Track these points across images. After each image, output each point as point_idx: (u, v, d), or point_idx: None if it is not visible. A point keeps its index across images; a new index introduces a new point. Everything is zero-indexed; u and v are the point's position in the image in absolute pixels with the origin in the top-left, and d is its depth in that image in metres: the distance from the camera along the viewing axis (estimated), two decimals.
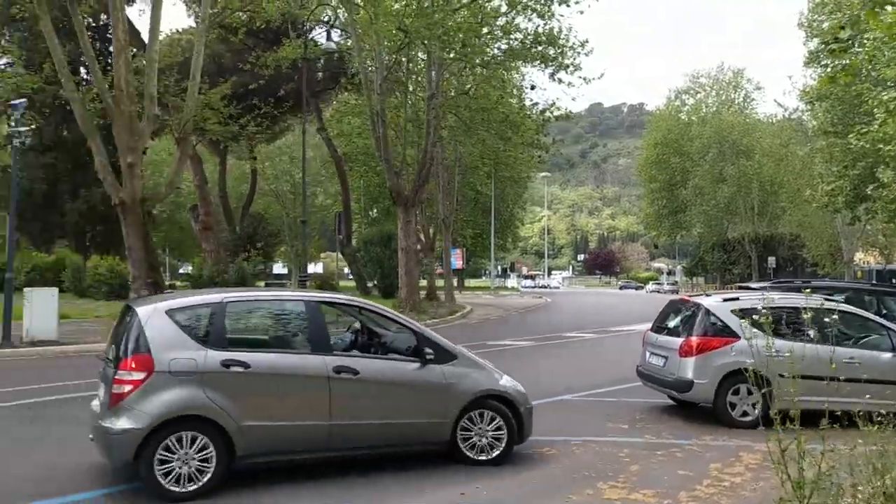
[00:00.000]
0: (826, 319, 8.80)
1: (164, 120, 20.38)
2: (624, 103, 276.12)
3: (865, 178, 28.37)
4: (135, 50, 17.58)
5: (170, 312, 6.12)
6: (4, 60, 30.18)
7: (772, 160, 54.28)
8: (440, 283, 42.21)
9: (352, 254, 41.30)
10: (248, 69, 29.70)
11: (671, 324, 9.69)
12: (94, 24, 34.78)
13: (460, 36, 23.95)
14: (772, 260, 55.71)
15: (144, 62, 17.16)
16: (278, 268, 63.76)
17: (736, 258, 62.76)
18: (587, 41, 26.65)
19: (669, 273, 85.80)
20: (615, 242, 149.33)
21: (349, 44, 30.90)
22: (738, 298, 9.09)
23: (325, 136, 39.51)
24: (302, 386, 6.23)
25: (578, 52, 26.46)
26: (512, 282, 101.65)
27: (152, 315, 6.05)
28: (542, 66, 27.03)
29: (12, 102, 16.37)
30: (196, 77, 19.09)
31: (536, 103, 31.71)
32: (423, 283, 37.67)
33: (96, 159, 17.89)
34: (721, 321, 8.81)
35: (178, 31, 39.88)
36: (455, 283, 51.63)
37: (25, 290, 16.38)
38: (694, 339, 8.78)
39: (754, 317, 8.77)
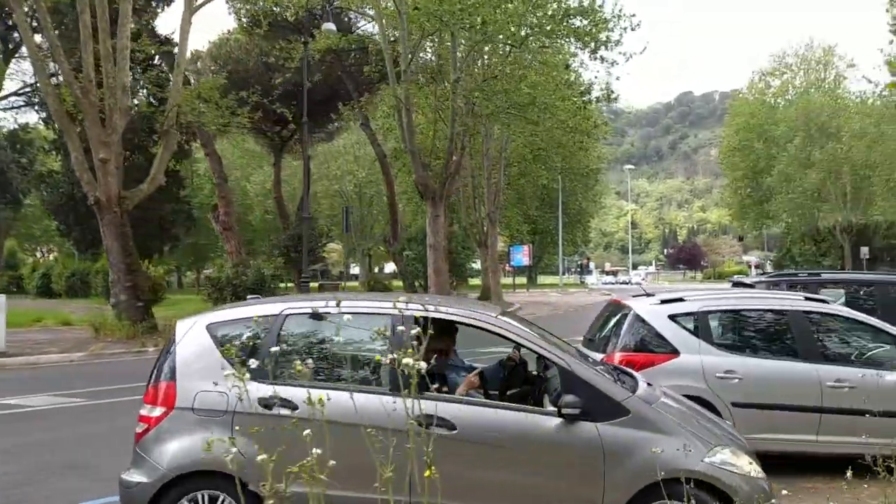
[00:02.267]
0: (814, 327, 6.66)
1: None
2: (715, 91, 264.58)
3: None
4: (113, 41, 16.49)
5: (212, 328, 4.68)
6: None
7: (863, 142, 49.55)
8: (506, 280, 40.32)
9: (397, 252, 40.01)
10: (296, 67, 28.85)
11: (602, 334, 7.40)
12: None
13: (479, 12, 22.06)
14: (865, 250, 50.90)
15: (114, 50, 16.16)
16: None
17: (826, 249, 57.81)
18: (633, 15, 24.26)
19: (757, 266, 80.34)
20: (702, 235, 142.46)
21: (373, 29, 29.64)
22: (681, 300, 6.80)
23: (368, 132, 38.40)
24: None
25: (616, 25, 24.06)
26: (592, 278, 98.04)
27: (191, 330, 4.68)
28: (578, 43, 24.77)
29: None
30: (181, 66, 18.02)
31: (577, 84, 29.13)
32: (476, 282, 35.91)
33: (72, 155, 17.03)
34: (654, 331, 6.56)
35: (227, 31, 39.81)
36: (525, 281, 49.30)
37: None
38: (617, 356, 6.48)
39: (711, 323, 6.73)
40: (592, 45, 24.21)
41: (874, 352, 6.59)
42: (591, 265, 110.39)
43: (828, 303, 6.90)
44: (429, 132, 28.25)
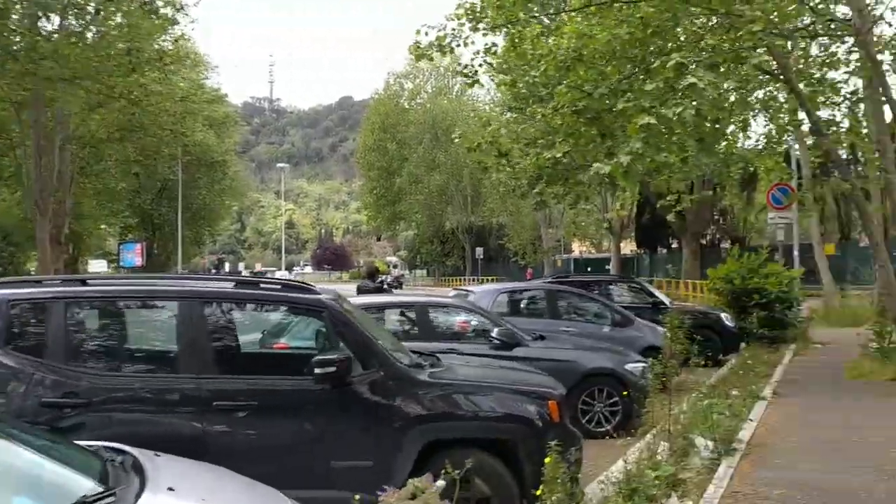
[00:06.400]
0: None
1: None
2: (374, 96, 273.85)
3: (556, 159, 25.06)
4: None
5: None
6: None
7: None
8: None
9: None
10: None
11: None
12: None
13: None
14: (479, 251, 53.48)
15: None
16: None
17: (450, 249, 60.18)
18: None
19: (395, 266, 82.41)
20: (348, 236, 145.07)
21: None
22: None
23: None
24: None
25: None
26: None
27: None
28: None
29: None
30: None
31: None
32: None
33: None
34: None
35: None
36: None
37: None
38: None
39: None
40: None
41: None
42: (237, 265, 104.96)
43: None
44: None
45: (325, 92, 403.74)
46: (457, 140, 21.72)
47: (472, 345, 8.20)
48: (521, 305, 11.60)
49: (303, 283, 5.60)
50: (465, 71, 11.65)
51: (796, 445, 6.54)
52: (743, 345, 13.85)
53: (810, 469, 5.77)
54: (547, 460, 4.22)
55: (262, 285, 5.11)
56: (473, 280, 56.17)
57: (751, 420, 7.19)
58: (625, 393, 7.90)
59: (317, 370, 4.49)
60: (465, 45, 10.95)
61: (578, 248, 73.46)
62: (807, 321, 15.87)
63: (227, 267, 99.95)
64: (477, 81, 12.25)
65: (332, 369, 4.50)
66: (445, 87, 67.32)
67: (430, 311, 8.36)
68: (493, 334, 8.08)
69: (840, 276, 28.11)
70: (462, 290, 12.33)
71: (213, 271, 78.37)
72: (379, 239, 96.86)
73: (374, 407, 4.71)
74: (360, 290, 13.95)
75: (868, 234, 13.14)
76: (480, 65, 11.54)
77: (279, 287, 5.07)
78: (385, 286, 15.43)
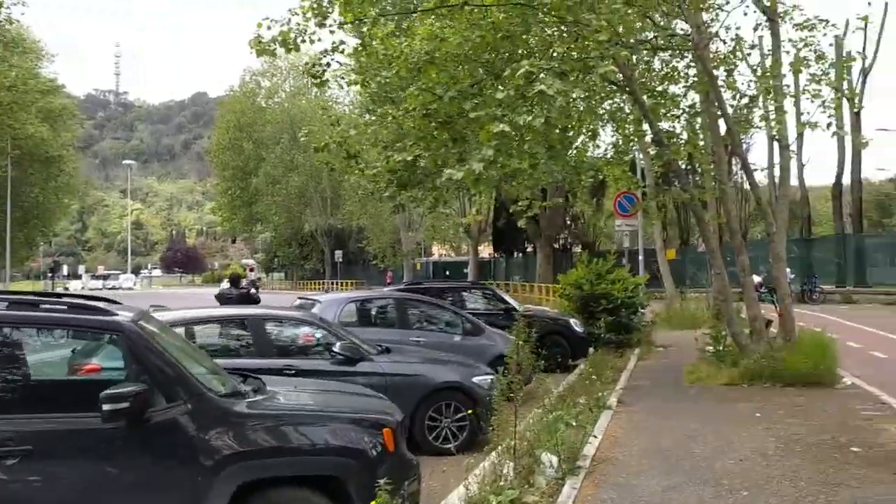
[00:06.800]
0: None
1: None
2: (230, 92, 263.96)
3: (408, 162, 24.73)
4: None
5: None
6: None
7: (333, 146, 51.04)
8: None
9: None
10: None
11: None
12: None
13: None
14: (339, 253, 52.60)
15: None
16: None
17: (309, 252, 58.81)
18: None
19: (252, 270, 79.61)
20: (201, 238, 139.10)
21: None
22: None
23: None
24: None
25: None
26: (79, 283, 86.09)
27: None
28: None
29: None
30: None
31: None
32: None
33: None
34: None
35: None
36: None
37: None
38: None
39: None
40: None
41: None
42: (77, 268, 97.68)
43: None
44: None
45: (179, 87, 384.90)
46: (303, 139, 20.94)
47: (313, 361, 7.64)
48: (371, 315, 11.14)
49: (105, 299, 4.85)
50: (312, 70, 11.02)
51: (639, 459, 6.49)
52: (591, 350, 14.10)
53: (652, 486, 5.69)
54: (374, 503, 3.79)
55: (42, 306, 4.32)
56: (333, 283, 55.17)
57: (594, 437, 7.10)
58: (469, 411, 7.63)
59: (105, 407, 3.80)
60: (312, 41, 10.34)
61: (438, 252, 74.08)
62: (650, 325, 16.47)
63: (64, 270, 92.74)
64: (325, 82, 11.68)
65: (125, 405, 3.83)
66: (304, 86, 65.74)
67: (265, 325, 7.71)
68: (335, 349, 7.57)
69: (680, 280, 29.74)
70: (308, 298, 11.69)
71: (50, 275, 72.43)
72: (234, 241, 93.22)
73: (180, 446, 4.08)
74: (223, 299, 12.97)
75: (705, 241, 13.74)
76: (328, 64, 10.97)
77: (65, 308, 4.31)
78: (252, 292, 14.34)
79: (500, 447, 6.17)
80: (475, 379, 8.04)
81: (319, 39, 10.53)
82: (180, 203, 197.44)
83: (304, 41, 10.24)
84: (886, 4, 30.07)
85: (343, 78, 14.59)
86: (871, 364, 12.29)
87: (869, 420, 7.87)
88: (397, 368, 7.84)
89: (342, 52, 10.80)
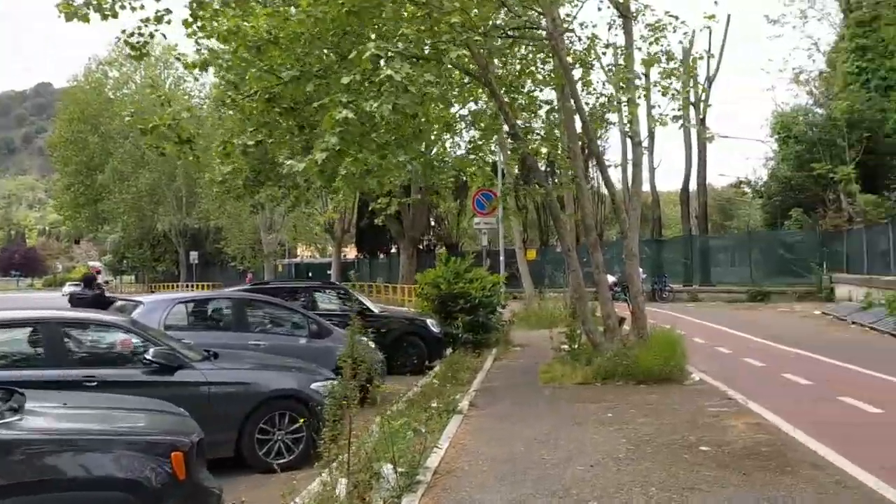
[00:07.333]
0: None
1: None
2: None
3: (265, 160, 23.37)
4: None
5: None
6: None
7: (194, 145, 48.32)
8: None
9: None
10: None
11: None
12: None
13: None
14: (194, 255, 49.85)
15: None
16: None
17: (161, 254, 55.40)
18: None
19: (99, 272, 74.27)
20: (43, 238, 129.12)
21: None
22: None
23: None
24: None
25: None
26: None
27: None
28: None
29: None
30: None
31: None
32: None
33: None
34: None
35: None
36: None
37: None
38: None
39: None
40: None
41: None
42: None
43: None
44: None
45: (20, 76, 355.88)
46: (128, 119, 19.17)
47: (121, 370, 6.60)
48: (204, 318, 10.09)
49: None
50: (130, 40, 9.77)
51: (486, 469, 5.96)
52: (449, 350, 13.67)
53: (496, 502, 5.16)
54: None
55: None
56: (187, 286, 52.17)
57: (439, 447, 6.52)
58: (301, 420, 6.86)
59: None
60: (133, 9, 9.17)
61: (303, 253, 72.12)
62: (508, 324, 16.26)
63: None
64: (146, 54, 10.46)
65: None
66: (158, 77, 61.99)
67: (62, 329, 6.58)
68: (148, 356, 6.57)
69: (540, 280, 30.13)
70: (130, 300, 10.47)
71: None
72: (78, 242, 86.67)
73: None
74: (76, 301, 12.16)
75: (560, 239, 13.62)
76: (151, 35, 9.79)
77: None
78: (107, 294, 13.21)
79: (335, 462, 5.48)
80: (314, 385, 7.27)
81: (142, 7, 9.35)
82: (20, 201, 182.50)
83: (123, 7, 9.05)
84: (729, 16, 32.61)
85: (171, 53, 13.35)
86: (716, 359, 12.56)
87: (716, 416, 7.78)
88: (223, 376, 6.96)
89: (168, 22, 9.64)
